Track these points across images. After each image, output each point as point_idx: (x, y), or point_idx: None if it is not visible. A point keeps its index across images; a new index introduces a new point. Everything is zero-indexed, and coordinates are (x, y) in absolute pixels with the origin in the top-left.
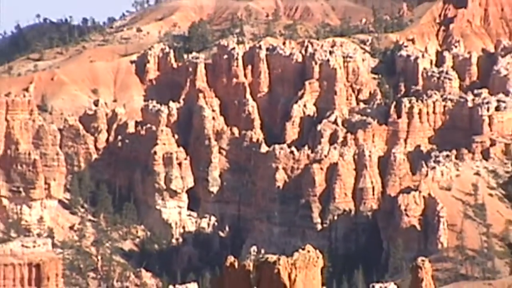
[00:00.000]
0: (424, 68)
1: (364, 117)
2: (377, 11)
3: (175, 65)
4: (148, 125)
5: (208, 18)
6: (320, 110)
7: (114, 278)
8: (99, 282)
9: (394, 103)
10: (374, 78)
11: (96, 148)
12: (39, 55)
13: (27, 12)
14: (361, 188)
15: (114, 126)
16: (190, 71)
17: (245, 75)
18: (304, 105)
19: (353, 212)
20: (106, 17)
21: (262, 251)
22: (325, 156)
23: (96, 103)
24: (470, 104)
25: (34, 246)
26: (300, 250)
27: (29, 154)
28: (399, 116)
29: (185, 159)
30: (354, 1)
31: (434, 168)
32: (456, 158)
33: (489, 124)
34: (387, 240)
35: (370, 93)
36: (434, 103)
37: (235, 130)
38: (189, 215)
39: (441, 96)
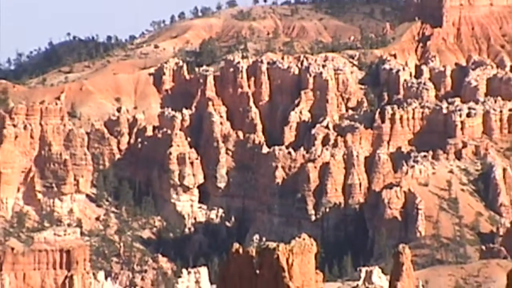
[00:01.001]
0: (405, 80)
1: (352, 122)
2: (363, 30)
3: (187, 77)
4: (164, 129)
5: (217, 36)
6: (314, 116)
7: (134, 262)
8: (121, 266)
9: (379, 110)
10: (361, 88)
11: (119, 149)
12: (69, 68)
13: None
14: (349, 184)
15: (135, 130)
16: (200, 82)
17: (248, 86)
18: (300, 112)
19: (342, 205)
20: (127, 35)
21: (264, 239)
22: (318, 156)
23: (119, 110)
24: (444, 111)
25: (64, 235)
26: (297, 238)
27: (61, 154)
28: (383, 121)
29: (196, 158)
30: (343, 21)
31: (413, 166)
32: (432, 158)
33: (461, 129)
34: (372, 229)
35: (357, 101)
36: (413, 110)
37: (240, 134)
38: (200, 207)
39: (419, 104)
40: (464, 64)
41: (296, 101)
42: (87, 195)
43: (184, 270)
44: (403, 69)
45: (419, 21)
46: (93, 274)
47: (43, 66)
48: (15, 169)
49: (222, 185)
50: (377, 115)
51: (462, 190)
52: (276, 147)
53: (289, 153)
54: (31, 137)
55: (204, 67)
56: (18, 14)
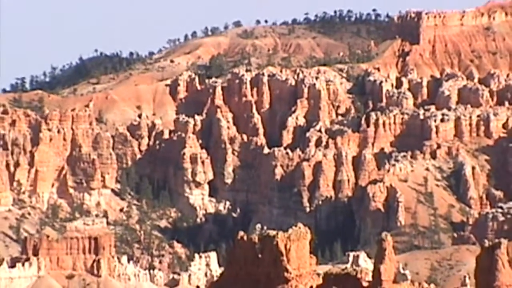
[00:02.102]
0: (387, 90)
1: (342, 127)
2: (351, 46)
3: (199, 88)
4: (179, 133)
5: (224, 52)
6: (308, 121)
7: (153, 248)
8: (142, 251)
9: (364, 116)
10: (349, 97)
11: (140, 150)
12: (97, 80)
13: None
14: (339, 180)
15: (153, 133)
16: (210, 92)
17: (252, 95)
18: (296, 118)
19: (333, 198)
20: (147, 51)
21: (265, 227)
22: (312, 156)
23: (139, 116)
24: (421, 117)
25: (93, 224)
26: (293, 227)
27: (89, 154)
28: (368, 126)
29: (207, 158)
30: (334, 39)
31: (394, 165)
32: (411, 157)
33: (436, 132)
34: (359, 219)
35: (346, 108)
36: (394, 116)
37: (244, 136)
38: (210, 200)
39: (400, 111)
40: (438, 76)
41: (293, 108)
42: (112, 190)
43: (196, 255)
44: (386, 80)
45: (399, 39)
46: (117, 258)
47: (74, 78)
48: (50, 168)
49: (229, 181)
50: (363, 120)
51: (437, 185)
52: (276, 148)
53: (287, 153)
54: (64, 139)
55: (213, 79)
56: (52, 33)
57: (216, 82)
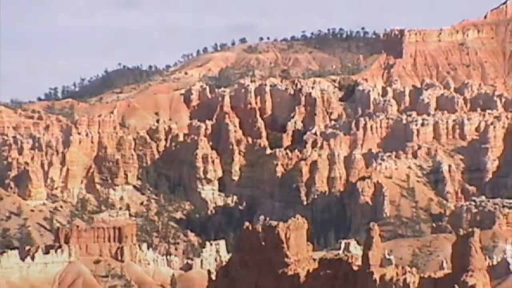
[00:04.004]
0: (374, 98)
1: (334, 130)
2: (343, 60)
3: (209, 96)
4: (192, 136)
5: (231, 65)
6: (305, 125)
7: (169, 236)
8: (160, 239)
9: (354, 121)
10: (341, 105)
11: (158, 151)
12: (120, 90)
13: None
14: (332, 177)
15: (170, 136)
16: (219, 100)
17: (256, 103)
18: (295, 122)
19: (327, 193)
20: (164, 64)
21: (267, 219)
22: (309, 156)
23: (157, 121)
24: (404, 121)
25: (117, 216)
26: (292, 218)
27: (114, 155)
28: (357, 129)
29: (216, 158)
30: (327, 54)
31: (380, 163)
32: (395, 157)
33: (417, 135)
34: (350, 211)
35: (338, 114)
36: (380, 121)
37: (249, 139)
38: (219, 195)
39: (385, 116)
40: (419, 86)
41: (292, 114)
42: (134, 186)
43: (207, 242)
44: (373, 90)
45: (385, 54)
46: (139, 245)
47: (100, 88)
48: (79, 166)
49: (236, 178)
50: (353, 125)
51: (418, 181)
52: (277, 149)
53: (287, 153)
54: (91, 142)
55: (222, 88)
56: (81, 49)
57: (224, 91)
